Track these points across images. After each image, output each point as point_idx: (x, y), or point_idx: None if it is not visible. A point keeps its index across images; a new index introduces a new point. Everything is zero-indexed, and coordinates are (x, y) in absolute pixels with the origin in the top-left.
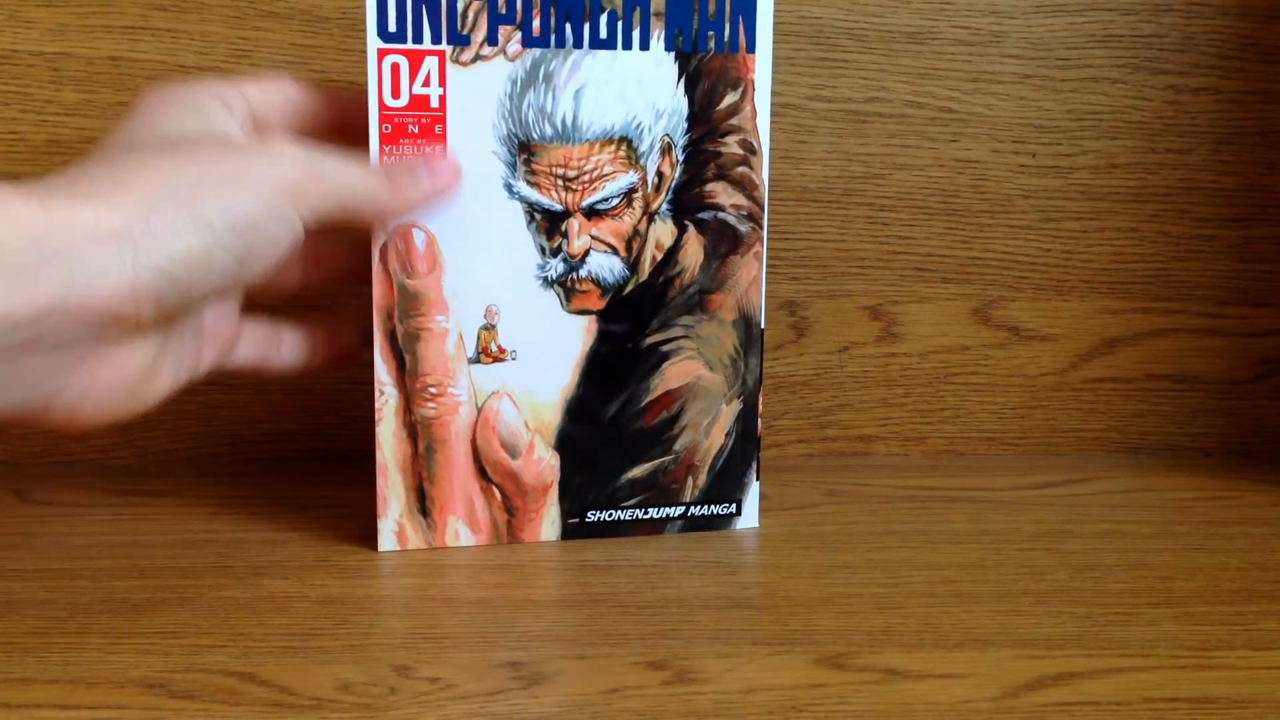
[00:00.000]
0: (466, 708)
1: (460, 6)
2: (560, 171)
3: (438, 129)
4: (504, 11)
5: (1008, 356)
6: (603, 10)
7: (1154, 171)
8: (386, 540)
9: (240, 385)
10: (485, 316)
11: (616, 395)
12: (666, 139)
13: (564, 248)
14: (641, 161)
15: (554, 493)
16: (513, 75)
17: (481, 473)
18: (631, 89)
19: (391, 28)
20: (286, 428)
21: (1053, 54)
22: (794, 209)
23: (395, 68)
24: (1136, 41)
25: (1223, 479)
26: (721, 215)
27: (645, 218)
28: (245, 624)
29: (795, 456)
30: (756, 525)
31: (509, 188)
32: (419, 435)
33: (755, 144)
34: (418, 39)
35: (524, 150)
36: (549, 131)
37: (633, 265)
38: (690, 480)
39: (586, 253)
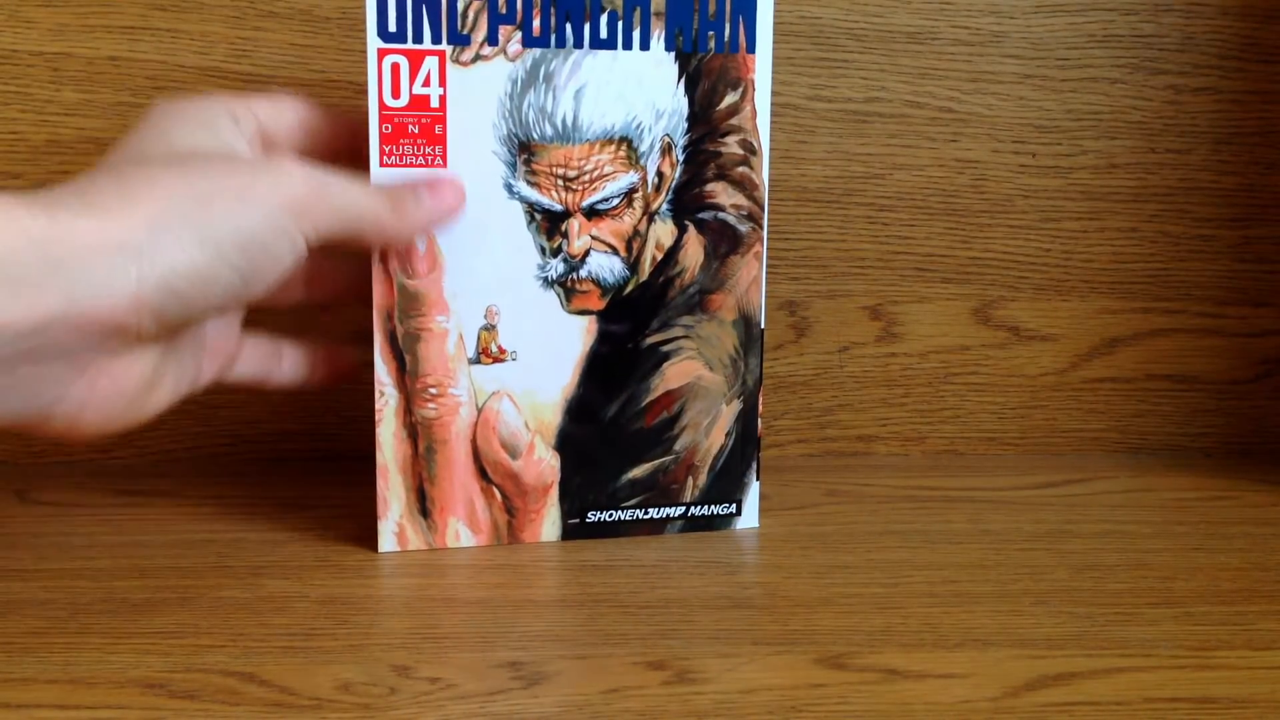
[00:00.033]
0: (466, 708)
1: (460, 6)
2: (560, 171)
3: (438, 129)
4: (504, 11)
5: (1008, 356)
6: (603, 10)
7: (1154, 171)
8: (387, 541)
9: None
10: (485, 317)
11: (617, 395)
12: (667, 139)
13: (564, 248)
14: (642, 161)
15: (554, 493)
16: (513, 75)
17: (482, 473)
18: (632, 89)
19: (391, 27)
20: (286, 428)
21: (1053, 54)
22: (794, 209)
23: (395, 68)
24: (1136, 41)
25: (1223, 479)
26: (721, 215)
27: (645, 218)
28: (245, 624)
29: (795, 456)
30: (756, 525)
31: (509, 188)
32: (419, 436)
33: (755, 144)
34: (418, 39)
35: (524, 150)
36: (549, 131)
37: (633, 265)
38: (690, 480)
39: (587, 253)
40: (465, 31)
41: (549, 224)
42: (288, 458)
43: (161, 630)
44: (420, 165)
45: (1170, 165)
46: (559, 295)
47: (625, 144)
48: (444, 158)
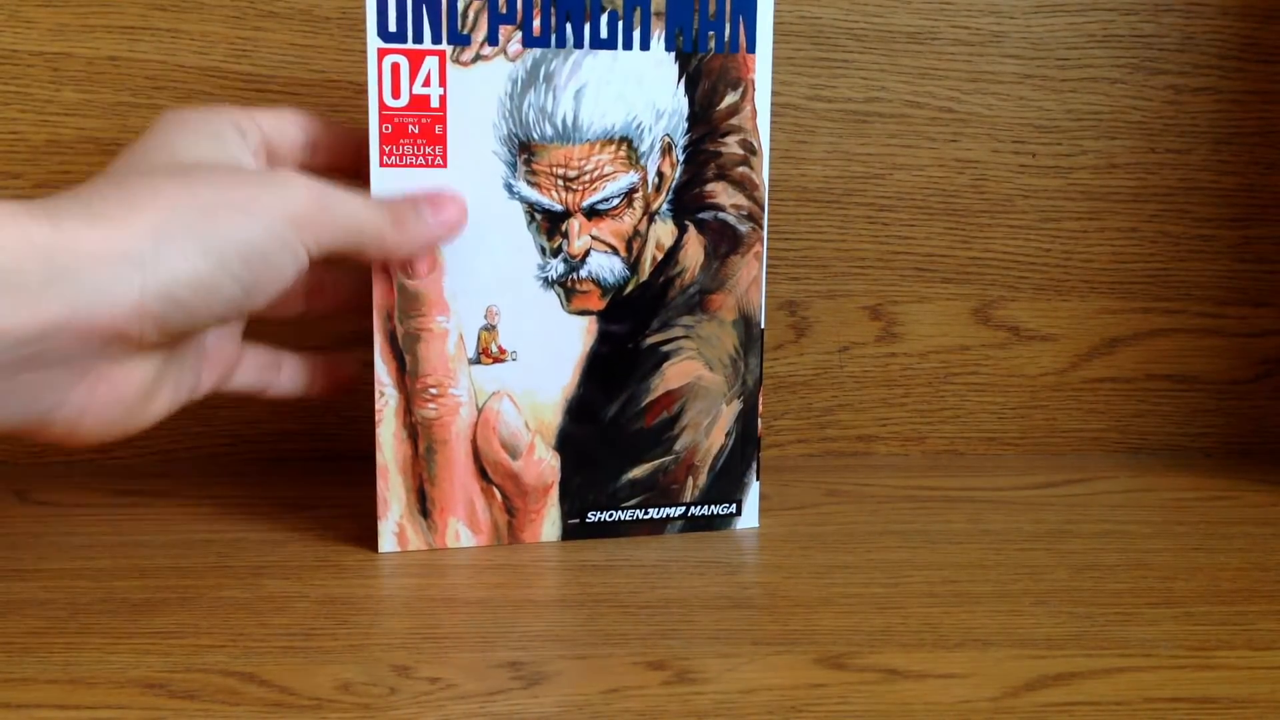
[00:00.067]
0: (466, 708)
1: (461, 6)
2: (561, 171)
3: (438, 129)
4: (504, 11)
5: (1008, 356)
6: (603, 10)
7: (1154, 171)
8: (387, 541)
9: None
10: (485, 317)
11: (617, 395)
12: (667, 139)
13: (564, 248)
14: (642, 161)
15: (554, 493)
16: (513, 75)
17: (482, 473)
18: (632, 89)
19: (392, 27)
20: (286, 428)
21: (1053, 54)
22: (794, 209)
23: (395, 67)
24: (1136, 41)
25: (1223, 479)
26: (722, 215)
27: (645, 218)
28: (245, 624)
29: (795, 456)
30: (756, 525)
31: (509, 188)
32: (419, 436)
33: (755, 144)
34: (418, 39)
35: (524, 150)
36: (549, 131)
37: (633, 265)
38: (690, 480)
39: (587, 253)
40: (465, 31)
41: (549, 224)
42: (288, 458)
43: (161, 630)
44: (420, 165)
45: (1170, 165)
46: (559, 295)
47: (625, 144)
48: (444, 158)
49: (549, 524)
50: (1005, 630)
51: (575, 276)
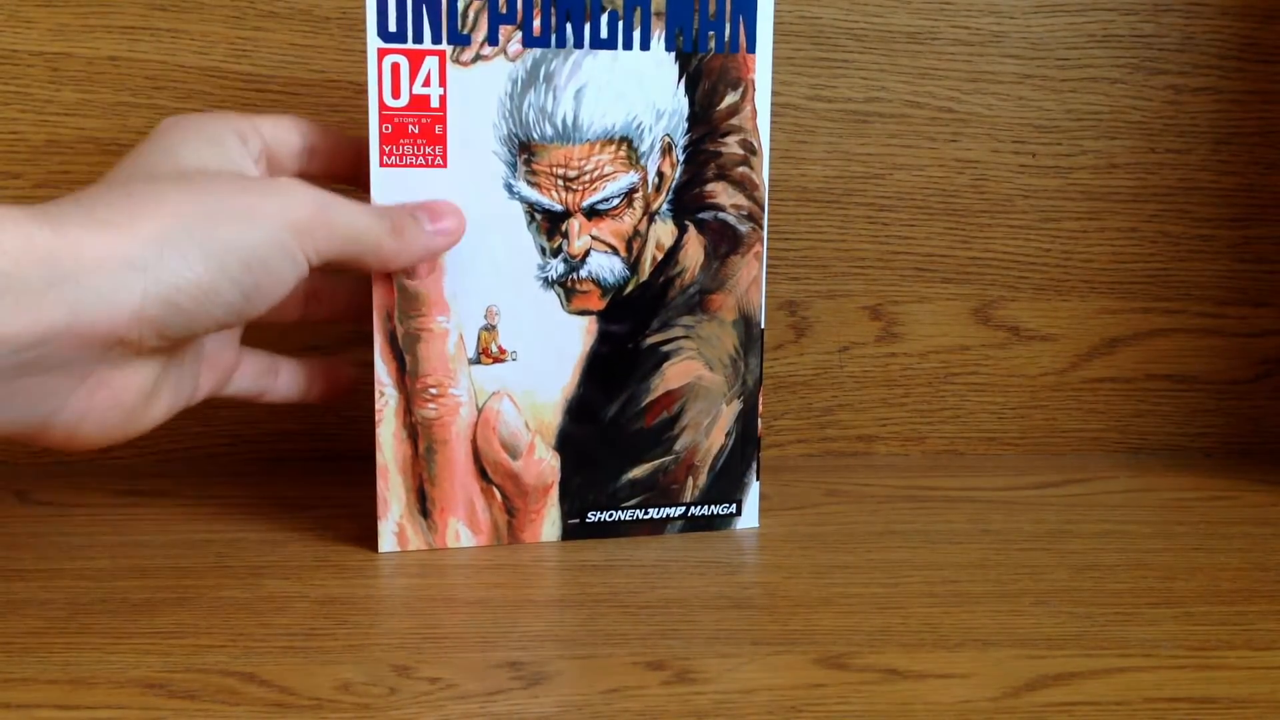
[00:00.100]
0: (466, 708)
1: (461, 6)
2: (561, 171)
3: (438, 129)
4: (504, 11)
5: (1008, 356)
6: (603, 10)
7: (1154, 171)
8: (387, 541)
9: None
10: (485, 317)
11: (617, 395)
12: (667, 139)
13: (564, 248)
14: (642, 161)
15: (554, 493)
16: (513, 75)
17: (482, 473)
18: (632, 89)
19: (392, 27)
20: (286, 428)
21: (1053, 54)
22: (794, 209)
23: (395, 67)
24: (1136, 41)
25: (1223, 479)
26: (722, 215)
27: (646, 218)
28: (245, 624)
29: (795, 456)
30: (756, 525)
31: (509, 188)
32: (419, 436)
33: (755, 144)
34: (418, 39)
35: (524, 150)
36: (549, 131)
37: (633, 265)
38: (690, 480)
39: (587, 253)
40: (465, 31)
41: (549, 224)
42: (288, 458)
43: (161, 630)
44: (420, 165)
45: (1170, 165)
46: (559, 295)
47: (625, 144)
48: (444, 158)
49: (549, 524)
50: (1005, 630)
51: (575, 276)
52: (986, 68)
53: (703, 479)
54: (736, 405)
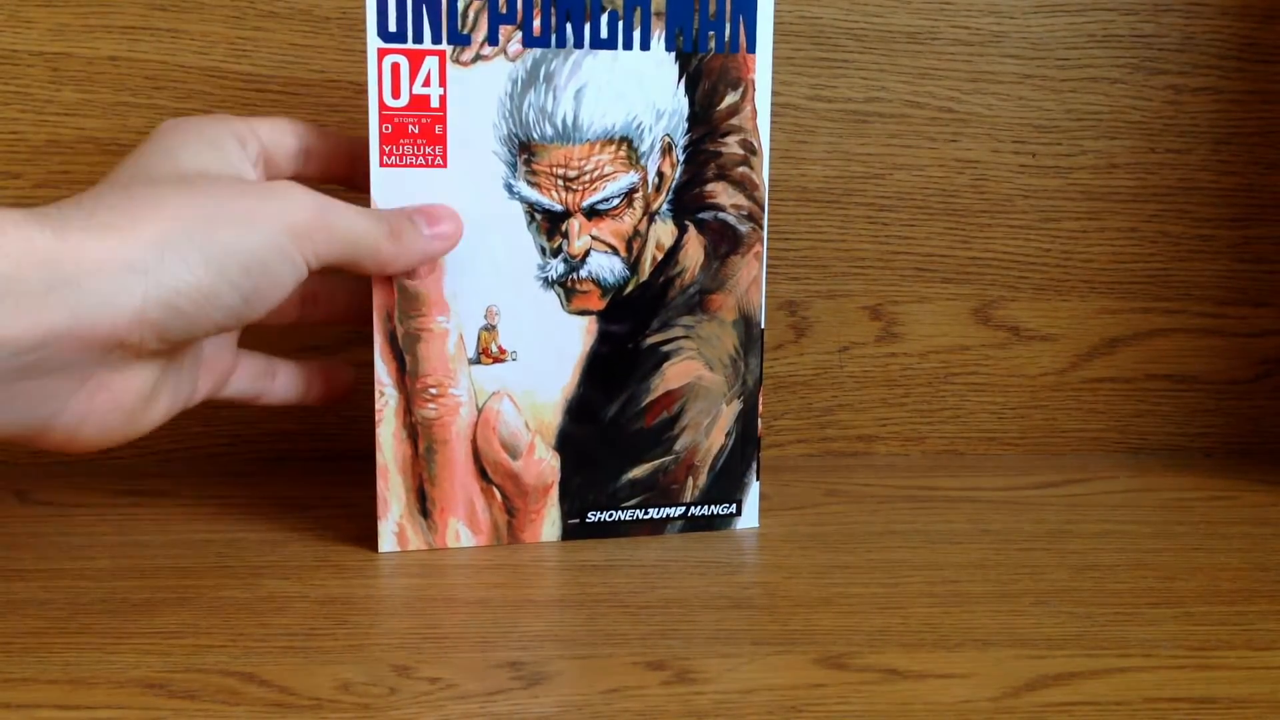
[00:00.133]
0: (466, 708)
1: (461, 6)
2: (561, 171)
3: (438, 129)
4: (504, 11)
5: (1008, 356)
6: (603, 10)
7: (1154, 171)
8: (387, 541)
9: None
10: (485, 317)
11: (617, 395)
12: (667, 139)
13: (564, 248)
14: (642, 161)
15: (554, 493)
16: (513, 75)
17: (482, 473)
18: (632, 89)
19: (392, 27)
20: (286, 428)
21: (1053, 54)
22: (794, 209)
23: (395, 67)
24: (1136, 41)
25: (1223, 479)
26: (722, 215)
27: (646, 218)
28: (245, 624)
29: (795, 456)
30: (756, 525)
31: (509, 188)
32: (419, 436)
33: (755, 144)
34: (418, 39)
35: (524, 150)
36: (549, 131)
37: (633, 265)
38: (690, 480)
39: (587, 253)
40: (465, 31)
41: (549, 224)
42: (288, 458)
43: (161, 630)
44: (420, 165)
45: (1170, 165)
46: (559, 295)
47: (625, 144)
48: (444, 158)
49: (549, 524)
50: (1005, 630)
51: (575, 276)
52: (986, 68)
53: (703, 479)
54: (736, 405)
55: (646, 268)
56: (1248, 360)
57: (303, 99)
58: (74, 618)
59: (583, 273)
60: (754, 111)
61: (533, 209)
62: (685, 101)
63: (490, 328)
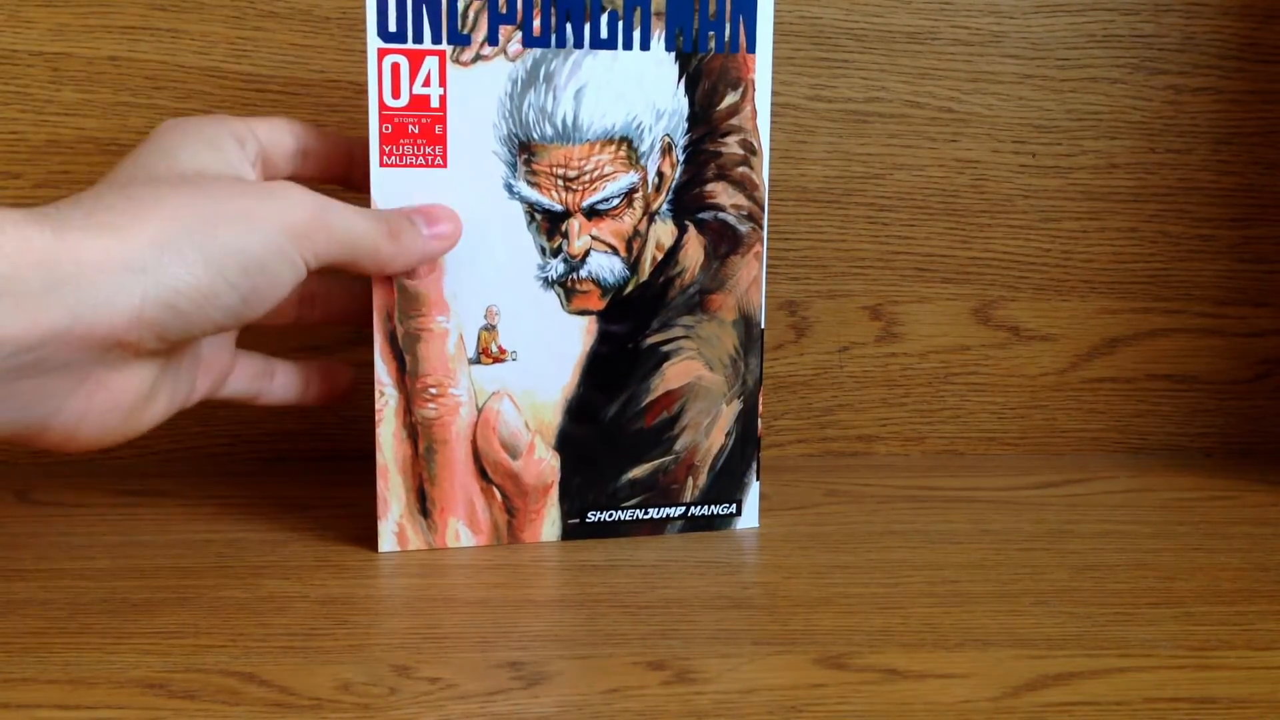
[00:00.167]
0: (466, 708)
1: (461, 6)
2: (561, 171)
3: (438, 129)
4: (504, 11)
5: (1008, 356)
6: (603, 10)
7: (1154, 171)
8: (387, 541)
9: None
10: (485, 317)
11: (617, 395)
12: (667, 139)
13: (564, 248)
14: (642, 161)
15: (554, 493)
16: (513, 75)
17: (482, 473)
18: (632, 89)
19: (392, 27)
20: (286, 428)
21: (1053, 54)
22: (794, 209)
23: (395, 67)
24: (1136, 41)
25: (1223, 479)
26: (722, 215)
27: (646, 218)
28: (245, 624)
29: (795, 456)
30: (756, 525)
31: (509, 188)
32: (419, 436)
33: (755, 144)
34: (418, 39)
35: (524, 150)
36: (549, 131)
37: (633, 265)
38: (690, 480)
39: (587, 253)
40: (465, 31)
41: (549, 224)
42: (288, 458)
43: (161, 630)
44: (420, 165)
45: (1170, 165)
46: (559, 295)
47: (625, 144)
48: (444, 158)
49: (549, 524)
50: (1005, 630)
51: (575, 276)
52: (986, 68)
53: (703, 479)
54: (736, 405)
55: (646, 268)
56: (1248, 360)
57: (302, 99)
58: (74, 618)
59: (583, 273)
60: (754, 111)
61: (533, 209)
62: (685, 101)
63: (490, 328)
